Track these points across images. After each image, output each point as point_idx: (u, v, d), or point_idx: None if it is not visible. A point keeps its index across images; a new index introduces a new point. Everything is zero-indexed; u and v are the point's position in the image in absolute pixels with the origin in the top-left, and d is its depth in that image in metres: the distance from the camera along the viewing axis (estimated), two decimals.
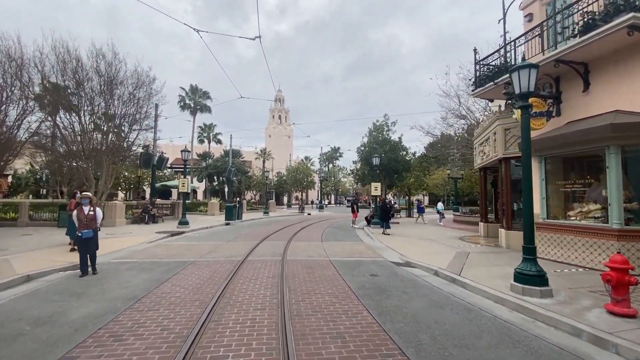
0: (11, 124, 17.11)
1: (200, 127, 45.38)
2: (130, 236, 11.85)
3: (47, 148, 18.19)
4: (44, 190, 37.07)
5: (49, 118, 16.93)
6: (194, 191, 47.02)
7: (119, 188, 37.75)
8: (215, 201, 25.55)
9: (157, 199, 33.49)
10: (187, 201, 32.60)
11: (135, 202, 21.46)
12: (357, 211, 16.63)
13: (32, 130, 17.54)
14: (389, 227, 13.40)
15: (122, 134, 18.12)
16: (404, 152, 18.54)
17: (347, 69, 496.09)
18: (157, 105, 19.91)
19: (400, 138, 18.33)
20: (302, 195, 32.89)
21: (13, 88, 15.69)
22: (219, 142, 45.54)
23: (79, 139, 16.86)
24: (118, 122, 17.62)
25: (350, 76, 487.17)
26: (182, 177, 15.31)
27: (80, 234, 6.56)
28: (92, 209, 6.76)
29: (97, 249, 6.88)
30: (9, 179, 43.76)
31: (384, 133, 18.21)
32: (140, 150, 20.16)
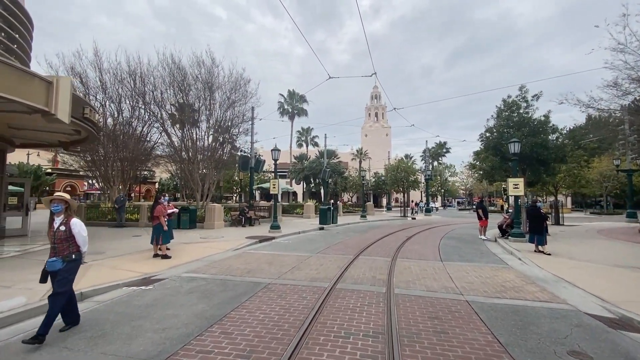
0: (144, 139, 19.62)
1: (298, 131, 46.63)
2: (219, 241, 11.12)
3: (175, 158, 20.01)
4: (178, 194, 43.68)
5: (176, 132, 18.55)
6: (294, 193, 48.51)
7: (232, 191, 41.74)
8: (310, 203, 24.56)
9: (262, 201, 35.35)
10: (284, 203, 33.43)
11: (238, 204, 22.03)
12: (486, 218, 12.38)
13: (162, 143, 19.72)
14: (544, 243, 9.05)
15: (221, 138, 18.59)
16: (555, 135, 13.08)
17: (450, 57, 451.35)
18: (253, 108, 19.93)
19: (547, 116, 12.97)
20: (404, 196, 29.23)
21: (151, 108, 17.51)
22: (315, 144, 45.75)
23: (190, 146, 17.95)
24: (217, 127, 18.11)
25: (453, 65, 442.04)
26: (274, 178, 14.27)
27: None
28: (65, 221, 3.83)
29: (68, 289, 3.90)
30: (156, 185, 54.38)
31: (521, 111, 13.26)
32: (239, 153, 20.59)
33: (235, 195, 41.82)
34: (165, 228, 8.28)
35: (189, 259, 8.23)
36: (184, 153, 17.83)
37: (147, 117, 18.22)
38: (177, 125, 17.92)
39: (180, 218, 14.77)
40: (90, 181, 36.46)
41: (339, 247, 10.43)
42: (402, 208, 27.96)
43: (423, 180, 33.27)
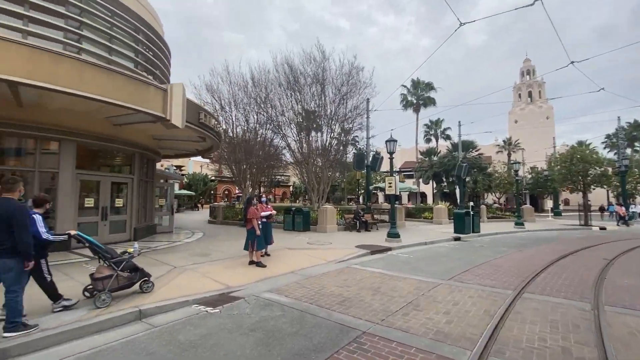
0: (269, 144, 20.81)
1: (426, 124, 41.76)
2: (325, 249, 9.61)
3: (294, 160, 20.47)
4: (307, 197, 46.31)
5: (293, 134, 18.84)
6: (422, 194, 43.65)
7: (355, 192, 41.02)
8: (442, 206, 20.48)
9: (384, 203, 32.89)
10: (409, 206, 29.75)
11: (355, 206, 20.47)
12: None
13: (283, 147, 20.44)
14: None
15: (334, 136, 17.46)
16: None
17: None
18: (368, 100, 18.02)
19: None
20: (584, 197, 20.76)
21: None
22: (447, 137, 39.73)
23: (303, 146, 17.67)
24: (329, 124, 17.08)
25: None
26: (390, 175, 11.84)
27: None
28: None
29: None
30: (290, 188, 60.04)
31: None
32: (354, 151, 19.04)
33: (358, 196, 40.88)
34: (258, 233, 7.28)
35: (284, 269, 6.93)
36: (298, 154, 17.65)
37: (266, 121, 19.02)
38: (293, 127, 17.89)
39: (294, 220, 14.31)
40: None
41: (485, 272, 7.11)
42: (583, 213, 19.91)
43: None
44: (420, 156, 33.62)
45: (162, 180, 14.37)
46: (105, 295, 4.44)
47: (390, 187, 11.59)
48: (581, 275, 6.71)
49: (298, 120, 17.35)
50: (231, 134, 19.81)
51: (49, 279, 4.28)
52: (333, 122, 17.09)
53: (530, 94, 53.25)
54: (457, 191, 20.80)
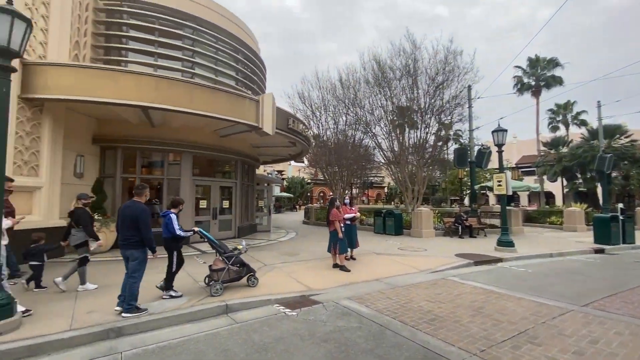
0: (359, 145, 20.65)
1: (550, 110, 34.37)
2: (418, 256, 8.71)
3: (390, 161, 19.74)
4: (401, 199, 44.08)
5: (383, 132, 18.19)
6: (549, 194, 36.05)
7: (459, 193, 36.87)
8: (576, 208, 16.24)
9: (495, 205, 28.39)
10: (530, 208, 24.68)
11: (458, 208, 18.31)
12: None
13: (373, 147, 19.95)
14: None
15: (429, 130, 15.94)
16: None
17: None
18: (469, 87, 15.88)
19: None
20: None
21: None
22: (582, 124, 31.75)
23: (394, 144, 16.76)
24: (422, 118, 15.70)
25: None
26: (499, 171, 9.98)
27: None
28: None
29: None
30: (385, 190, 58.37)
31: None
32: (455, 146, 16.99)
33: (462, 197, 36.71)
34: (341, 235, 7.05)
35: (368, 276, 6.51)
36: (389, 153, 16.81)
37: (355, 122, 18.81)
38: (383, 125, 17.15)
39: (385, 223, 13.62)
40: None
41: None
42: None
43: None
44: (543, 148, 27.83)
45: (265, 184, 15.78)
46: (219, 285, 5.02)
47: (499, 185, 9.77)
48: None
49: (388, 117, 16.55)
50: (323, 138, 20.43)
51: (173, 270, 4.99)
52: (428, 116, 15.66)
53: None
54: (599, 190, 16.21)
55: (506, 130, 9.78)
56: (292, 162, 44.38)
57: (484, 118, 48.51)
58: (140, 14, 10.33)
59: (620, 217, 10.91)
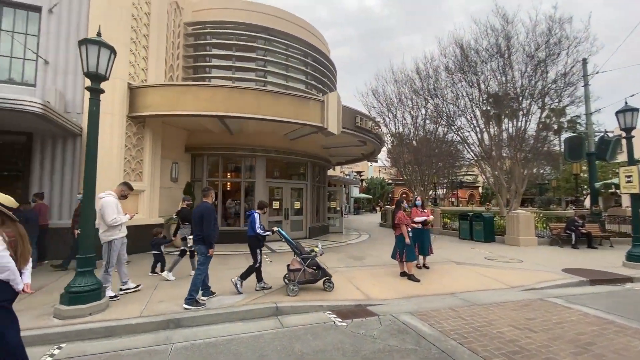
0: (442, 140, 18.86)
1: None
2: (508, 269, 7.26)
3: (478, 157, 17.51)
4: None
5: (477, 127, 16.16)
6: None
7: (577, 192, 30.13)
8: None
9: (627, 207, 22.11)
10: None
11: (574, 211, 14.92)
12: None
13: (459, 141, 17.90)
14: None
15: (529, 117, 13.37)
16: None
17: None
18: (584, 62, 12.83)
19: None
20: None
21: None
22: None
23: (483, 137, 14.68)
24: (520, 103, 13.28)
25: None
26: (628, 164, 7.60)
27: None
28: None
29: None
30: (479, 190, 52.01)
31: None
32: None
33: (578, 198, 30.04)
34: (408, 241, 6.33)
35: (441, 289, 5.68)
36: (477, 147, 14.76)
37: (435, 115, 17.15)
38: (470, 115, 15.17)
39: (472, 228, 11.95)
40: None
41: None
42: None
43: None
44: None
45: (340, 185, 15.73)
46: (294, 285, 5.07)
47: (629, 182, 7.45)
48: None
49: (474, 106, 14.57)
50: (401, 135, 19.33)
51: (255, 265, 5.28)
52: (527, 102, 13.21)
53: None
54: None
55: (637, 110, 7.38)
56: (373, 163, 43.67)
57: (607, 99, 38.63)
58: (220, 32, 11.46)
59: None
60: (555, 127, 16.66)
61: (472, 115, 14.92)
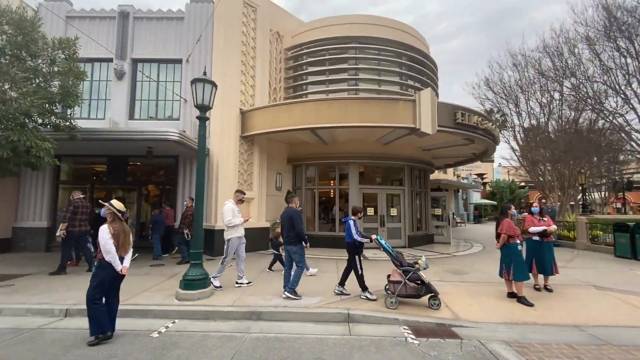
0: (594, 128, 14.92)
1: None
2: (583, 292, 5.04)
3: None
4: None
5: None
6: None
7: None
8: None
9: None
10: None
11: None
12: None
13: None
14: None
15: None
16: None
17: None
18: None
19: None
20: None
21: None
22: None
23: None
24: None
25: None
26: None
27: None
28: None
29: (90, 294, 3.48)
30: None
31: None
32: None
33: None
34: (522, 251, 5.23)
35: (562, 318, 4.48)
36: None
37: (577, 98, 13.58)
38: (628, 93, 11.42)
39: (635, 243, 8.89)
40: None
41: None
42: None
43: None
44: None
45: (455, 190, 14.39)
46: (394, 298, 4.77)
47: None
48: None
49: (631, 80, 10.92)
50: (527, 128, 16.23)
51: (359, 273, 5.22)
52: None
53: None
54: None
55: None
56: (500, 164, 37.73)
57: None
58: (314, 51, 12.35)
59: None
60: None
61: (632, 92, 11.17)
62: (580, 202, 17.36)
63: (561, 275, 6.80)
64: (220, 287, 5.65)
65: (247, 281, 5.96)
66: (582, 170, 15.08)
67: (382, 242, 5.25)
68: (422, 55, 13.13)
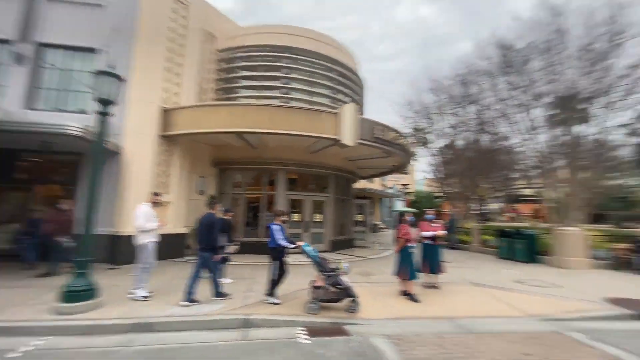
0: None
1: None
2: (536, 295, 6.23)
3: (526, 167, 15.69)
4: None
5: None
6: None
7: None
8: None
9: None
10: None
11: None
12: None
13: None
14: None
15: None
16: None
17: None
18: None
19: None
20: None
21: None
22: None
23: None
24: (571, 105, 11.67)
25: None
26: None
27: None
28: None
29: None
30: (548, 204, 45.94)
31: None
32: None
33: None
34: (414, 254, 5.88)
35: (439, 312, 5.14)
36: (530, 157, 13.23)
37: (478, 122, 15.86)
38: (513, 120, 13.74)
39: (513, 246, 10.63)
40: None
41: None
42: None
43: None
44: None
45: (379, 198, 15.34)
46: (315, 303, 4.84)
47: None
48: None
49: (523, 109, 13.17)
50: (441, 148, 18.31)
51: (273, 278, 5.20)
52: (581, 102, 11.57)
53: None
54: None
55: None
56: (425, 176, 41.42)
57: None
58: (248, 56, 12.26)
59: None
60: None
61: (518, 119, 13.49)
62: (479, 212, 20.06)
63: (450, 274, 7.81)
64: (148, 296, 5.23)
65: (145, 293, 5.29)
66: (482, 185, 17.58)
67: (308, 249, 5.20)
68: (350, 71, 13.99)
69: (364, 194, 20.31)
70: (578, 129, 11.90)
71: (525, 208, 43.39)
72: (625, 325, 4.71)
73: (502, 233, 11.34)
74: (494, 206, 36.35)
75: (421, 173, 22.15)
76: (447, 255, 11.58)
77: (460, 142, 17.34)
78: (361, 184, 19.63)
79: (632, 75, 10.98)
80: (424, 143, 19.68)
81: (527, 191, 38.16)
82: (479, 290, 6.53)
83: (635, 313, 4.98)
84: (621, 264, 8.81)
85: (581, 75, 11.45)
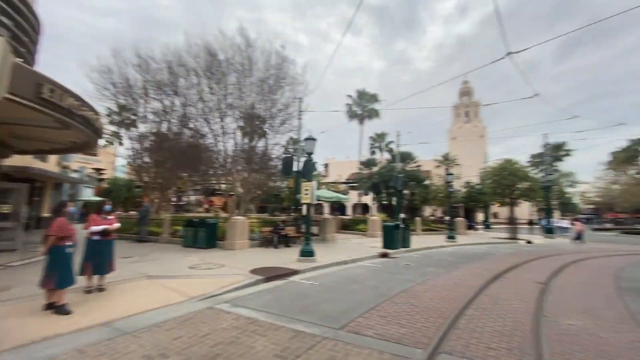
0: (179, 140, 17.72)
1: (371, 137, 41.59)
2: (204, 277, 7.12)
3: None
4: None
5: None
6: (365, 206, 43.08)
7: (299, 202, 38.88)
8: (377, 217, 19.19)
9: (330, 214, 31.19)
10: (345, 217, 28.28)
11: (289, 217, 18.21)
12: None
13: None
14: None
15: (254, 134, 15.24)
16: None
17: (561, 49, 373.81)
18: (300, 99, 16.15)
19: None
20: (511, 211, 21.16)
21: None
22: (391, 151, 39.86)
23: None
24: (247, 116, 14.86)
25: (566, 56, 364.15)
26: (307, 180, 9.85)
27: None
28: None
29: None
30: (234, 197, 55.91)
31: None
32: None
33: (294, 207, 38.87)
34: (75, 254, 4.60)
35: (97, 318, 4.35)
36: (215, 155, 15.08)
37: (173, 112, 16.16)
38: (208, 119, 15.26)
39: (197, 235, 11.56)
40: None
41: (396, 310, 5.23)
42: (512, 227, 20.01)
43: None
44: (360, 165, 32.78)
45: (58, 184, 10.67)
46: None
47: (306, 194, 9.56)
48: (515, 313, 5.15)
49: (210, 114, 14.81)
50: (142, 133, 16.60)
51: None
52: (259, 121, 14.88)
53: (467, 114, 56.76)
54: (396, 203, 19.70)
55: (315, 140, 9.84)
56: (127, 161, 35.91)
57: (326, 140, 54.13)
58: None
59: (402, 225, 12.96)
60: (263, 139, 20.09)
61: (213, 122, 15.12)
62: (178, 203, 20.57)
63: (126, 270, 7.14)
64: None
65: None
66: (182, 177, 17.98)
67: None
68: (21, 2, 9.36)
69: (27, 175, 14.36)
70: (255, 141, 15.35)
71: (218, 201, 49.93)
72: (259, 288, 6.42)
73: (188, 223, 12.06)
74: (193, 198, 38.76)
75: (124, 159, 19.07)
76: (133, 249, 10.65)
77: (163, 132, 16.79)
78: (21, 159, 13.68)
79: (285, 111, 15.80)
80: (128, 125, 17.21)
81: (223, 186, 44.12)
82: (152, 283, 6.37)
83: (262, 277, 6.94)
84: (266, 242, 12.18)
85: (259, 101, 14.89)
